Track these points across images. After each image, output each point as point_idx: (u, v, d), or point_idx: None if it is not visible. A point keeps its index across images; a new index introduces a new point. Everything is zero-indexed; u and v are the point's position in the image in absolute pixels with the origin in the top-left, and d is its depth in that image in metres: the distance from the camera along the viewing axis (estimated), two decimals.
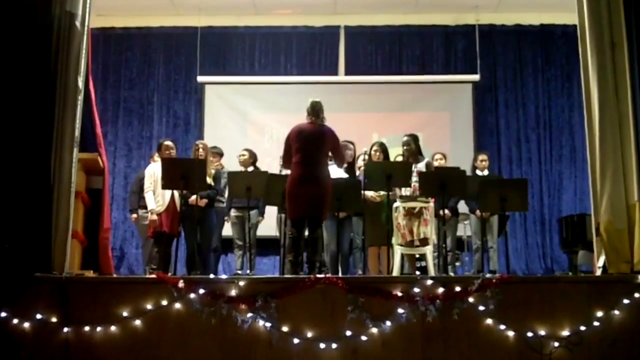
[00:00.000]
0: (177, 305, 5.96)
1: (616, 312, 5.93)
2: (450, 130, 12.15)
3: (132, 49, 12.64)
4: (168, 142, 8.54)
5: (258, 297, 5.88)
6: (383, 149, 8.41)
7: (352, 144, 8.74)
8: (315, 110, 7.27)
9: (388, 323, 5.86)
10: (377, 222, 7.99)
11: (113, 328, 5.93)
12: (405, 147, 8.45)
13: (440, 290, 5.94)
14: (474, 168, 9.48)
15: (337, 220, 7.90)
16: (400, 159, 8.60)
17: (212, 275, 7.29)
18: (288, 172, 7.64)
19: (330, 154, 7.42)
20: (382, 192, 8.00)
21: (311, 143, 7.16)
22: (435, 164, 9.03)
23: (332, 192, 7.20)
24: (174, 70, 12.60)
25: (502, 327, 5.88)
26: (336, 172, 8.28)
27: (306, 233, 7.31)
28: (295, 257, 7.15)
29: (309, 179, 7.04)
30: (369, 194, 8.05)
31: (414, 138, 8.52)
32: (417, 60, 12.59)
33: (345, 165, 8.31)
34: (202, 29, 12.34)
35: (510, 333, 5.88)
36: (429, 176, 7.93)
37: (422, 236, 7.72)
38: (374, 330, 5.87)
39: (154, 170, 8.27)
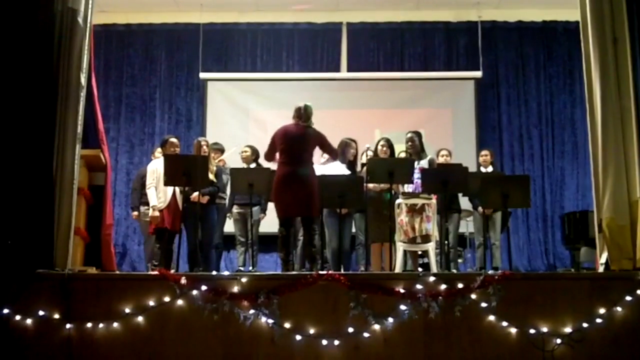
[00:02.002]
0: (179, 302, 5.97)
1: (618, 309, 5.93)
2: (452, 126, 12.14)
3: (134, 46, 12.65)
4: (173, 139, 8.51)
5: (260, 294, 5.89)
6: (389, 144, 8.40)
7: (355, 142, 8.73)
8: (308, 113, 7.36)
9: (390, 320, 5.87)
10: (379, 218, 7.99)
11: (115, 325, 5.94)
12: (409, 144, 8.46)
13: (443, 287, 5.94)
14: (479, 164, 9.49)
15: (338, 216, 7.88)
16: (403, 155, 8.60)
17: (214, 272, 7.30)
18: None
19: (323, 153, 7.58)
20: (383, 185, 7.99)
21: (296, 143, 7.26)
22: (441, 160, 9.03)
23: (331, 188, 7.23)
24: (176, 67, 12.61)
25: (504, 323, 5.89)
26: (338, 169, 8.28)
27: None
28: (286, 255, 7.24)
29: (294, 178, 7.15)
30: (372, 185, 8.04)
31: (418, 135, 8.53)
32: (419, 56, 12.58)
33: (342, 160, 8.42)
34: (204, 26, 12.33)
35: (513, 330, 5.88)
36: (431, 173, 7.93)
37: (424, 233, 7.73)
38: (376, 326, 5.87)
39: (156, 167, 8.26)
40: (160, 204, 8.13)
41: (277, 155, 7.37)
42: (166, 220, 8.07)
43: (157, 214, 8.13)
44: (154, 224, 8.18)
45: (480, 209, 9.01)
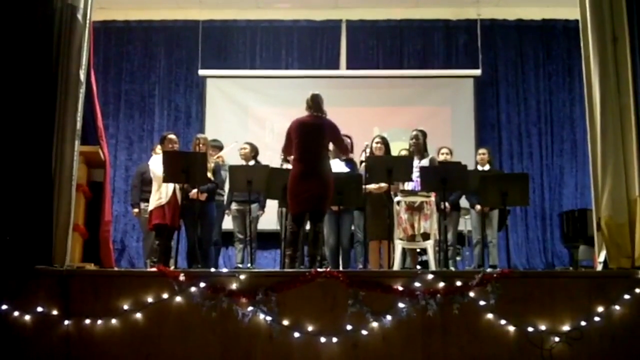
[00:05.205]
0: (178, 299, 5.96)
1: (617, 307, 5.92)
2: (451, 124, 12.14)
3: (133, 42, 12.66)
4: (172, 136, 8.51)
5: (259, 291, 5.88)
6: (385, 142, 8.40)
7: (350, 137, 8.74)
8: (316, 102, 7.23)
9: (388, 317, 5.86)
10: (378, 216, 7.99)
11: (114, 321, 5.93)
12: (412, 141, 8.48)
13: (441, 284, 5.93)
14: (477, 163, 9.49)
15: (336, 213, 7.88)
16: (404, 152, 8.61)
17: (212, 269, 7.29)
18: (289, 166, 7.64)
19: (332, 146, 7.41)
20: (383, 184, 7.99)
21: (311, 137, 7.13)
22: (441, 158, 9.05)
23: (333, 185, 7.18)
24: (175, 64, 12.62)
25: (503, 321, 5.88)
26: (338, 166, 8.28)
27: (307, 227, 7.31)
28: (294, 252, 7.14)
29: (310, 175, 7.02)
30: (371, 186, 8.04)
31: (423, 134, 8.55)
32: (419, 54, 12.60)
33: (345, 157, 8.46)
34: (203, 23, 12.35)
35: (511, 328, 5.88)
36: (430, 171, 7.93)
37: (422, 231, 7.74)
38: (375, 324, 5.86)
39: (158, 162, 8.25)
40: (162, 200, 8.10)
41: (293, 149, 7.23)
42: (167, 217, 8.05)
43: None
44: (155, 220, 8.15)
45: (477, 207, 9.03)
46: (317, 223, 7.17)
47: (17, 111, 6.56)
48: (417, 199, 7.80)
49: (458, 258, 9.76)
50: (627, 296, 5.94)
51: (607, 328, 5.90)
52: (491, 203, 8.32)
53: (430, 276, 6.00)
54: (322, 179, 7.05)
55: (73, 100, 6.87)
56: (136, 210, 9.61)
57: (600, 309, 5.91)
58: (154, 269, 6.47)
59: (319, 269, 6.19)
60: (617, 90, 6.79)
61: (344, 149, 7.72)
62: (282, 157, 8.25)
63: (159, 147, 9.00)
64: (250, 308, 5.88)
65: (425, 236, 7.76)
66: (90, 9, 7.21)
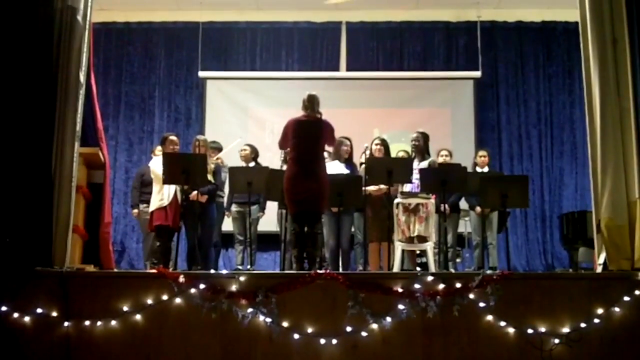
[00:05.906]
0: (178, 300, 5.96)
1: (616, 309, 5.92)
2: (451, 126, 12.13)
3: (133, 44, 12.66)
4: (173, 137, 8.50)
5: (258, 293, 5.88)
6: (385, 144, 8.40)
7: (349, 139, 8.73)
8: (312, 102, 7.24)
9: (388, 319, 5.86)
10: (378, 218, 7.99)
11: (113, 322, 5.93)
12: (413, 143, 8.50)
13: (441, 286, 5.93)
14: (475, 165, 9.48)
15: (336, 215, 7.87)
16: (402, 154, 8.61)
17: (212, 270, 7.29)
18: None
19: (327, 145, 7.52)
20: (382, 186, 7.99)
21: (309, 137, 7.14)
22: (441, 160, 9.04)
23: (330, 186, 7.18)
24: (175, 65, 12.62)
25: (503, 323, 5.88)
26: (337, 167, 8.29)
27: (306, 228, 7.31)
28: (300, 252, 7.11)
29: (306, 176, 7.03)
30: (371, 188, 8.05)
31: (424, 136, 8.58)
32: (419, 56, 12.59)
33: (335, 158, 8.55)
34: (203, 24, 12.34)
35: (511, 329, 5.88)
36: (430, 173, 7.93)
37: (416, 233, 7.74)
38: (374, 326, 5.86)
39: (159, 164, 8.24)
40: (164, 201, 8.09)
41: (289, 149, 7.24)
42: (169, 218, 8.04)
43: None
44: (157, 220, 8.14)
45: (477, 208, 9.03)
46: (315, 224, 7.18)
47: (17, 113, 6.56)
48: (413, 201, 7.80)
49: (458, 260, 9.75)
50: (626, 298, 5.95)
51: (606, 330, 5.90)
52: (491, 205, 8.33)
53: (430, 278, 6.00)
54: (319, 180, 7.07)
55: (73, 101, 6.87)
56: (135, 211, 9.62)
57: (600, 310, 5.92)
58: (153, 271, 6.46)
59: (318, 271, 6.19)
60: (617, 92, 6.79)
61: (332, 147, 7.90)
62: (282, 157, 8.24)
63: (158, 148, 9.01)
64: (250, 309, 5.88)
65: (421, 239, 7.76)
66: (90, 10, 7.23)
